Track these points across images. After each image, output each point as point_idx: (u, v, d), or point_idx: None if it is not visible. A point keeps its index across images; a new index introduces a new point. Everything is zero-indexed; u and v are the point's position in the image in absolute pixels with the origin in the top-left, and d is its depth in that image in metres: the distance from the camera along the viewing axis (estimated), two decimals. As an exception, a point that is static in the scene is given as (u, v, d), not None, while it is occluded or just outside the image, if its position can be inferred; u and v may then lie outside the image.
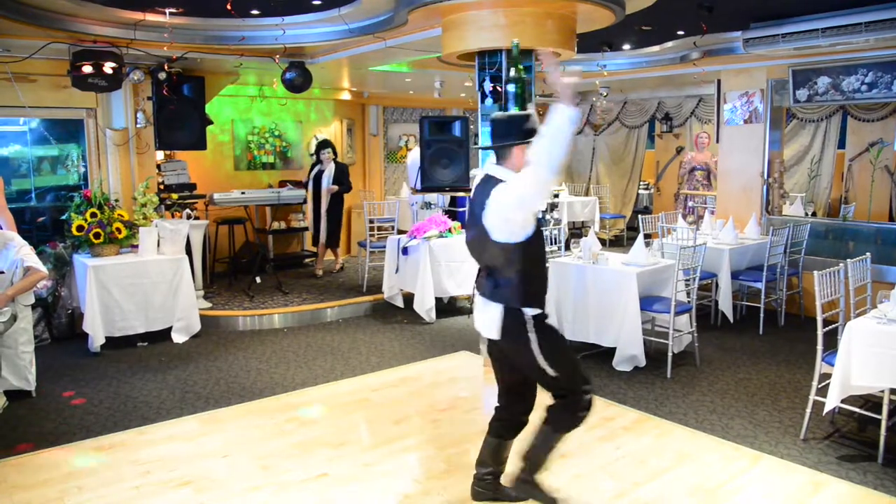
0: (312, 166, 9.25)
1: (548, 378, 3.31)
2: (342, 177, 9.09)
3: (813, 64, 7.32)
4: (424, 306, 7.27)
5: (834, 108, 9.51)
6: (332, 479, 3.86)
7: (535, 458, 3.43)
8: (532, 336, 3.25)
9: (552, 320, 6.02)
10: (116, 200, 6.96)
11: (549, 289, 6.02)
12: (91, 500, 3.63)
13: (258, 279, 8.58)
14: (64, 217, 6.63)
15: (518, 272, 3.24)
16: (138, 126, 7.53)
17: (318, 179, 9.01)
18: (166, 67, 7.24)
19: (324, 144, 9.18)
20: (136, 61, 7.06)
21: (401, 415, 4.79)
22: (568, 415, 3.36)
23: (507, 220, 3.17)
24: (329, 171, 8.95)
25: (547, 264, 3.71)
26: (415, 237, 7.43)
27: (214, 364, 6.00)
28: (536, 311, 3.27)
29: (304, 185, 9.23)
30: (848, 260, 4.62)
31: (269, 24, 6.45)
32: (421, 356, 6.20)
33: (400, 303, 7.76)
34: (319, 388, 5.39)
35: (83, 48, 6.51)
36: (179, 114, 7.67)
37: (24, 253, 4.96)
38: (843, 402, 4.18)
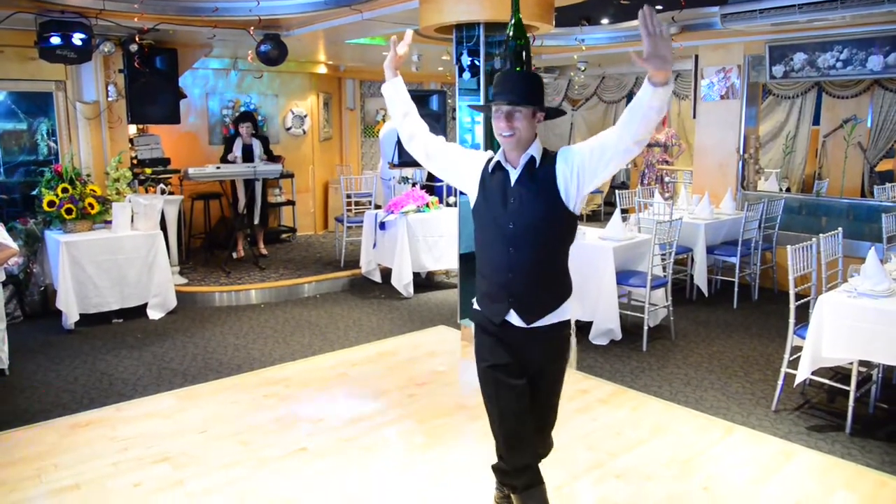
0: (229, 141, 8.51)
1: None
2: (270, 151, 8.70)
3: (790, 40, 7.35)
4: (402, 281, 7.27)
5: (809, 84, 9.60)
6: (312, 454, 3.87)
7: None
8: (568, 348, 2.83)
9: None
10: (88, 175, 6.84)
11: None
12: (68, 477, 3.61)
13: (234, 254, 8.50)
14: (34, 192, 6.50)
15: (566, 259, 2.71)
16: (110, 99, 7.38)
17: (248, 155, 8.32)
18: (137, 39, 7.07)
19: (244, 118, 8.52)
20: (106, 32, 6.88)
21: (379, 389, 4.81)
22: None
23: (604, 175, 2.57)
24: (256, 145, 8.42)
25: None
26: (392, 212, 7.40)
27: (191, 340, 5.97)
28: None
29: (225, 162, 8.31)
30: (820, 235, 4.70)
31: (242, -5, 6.32)
32: (399, 331, 6.21)
33: (377, 278, 7.76)
34: (297, 363, 5.39)
35: (50, 18, 6.33)
36: (152, 87, 7.52)
37: (-6, 229, 4.88)
38: (813, 374, 4.28)
